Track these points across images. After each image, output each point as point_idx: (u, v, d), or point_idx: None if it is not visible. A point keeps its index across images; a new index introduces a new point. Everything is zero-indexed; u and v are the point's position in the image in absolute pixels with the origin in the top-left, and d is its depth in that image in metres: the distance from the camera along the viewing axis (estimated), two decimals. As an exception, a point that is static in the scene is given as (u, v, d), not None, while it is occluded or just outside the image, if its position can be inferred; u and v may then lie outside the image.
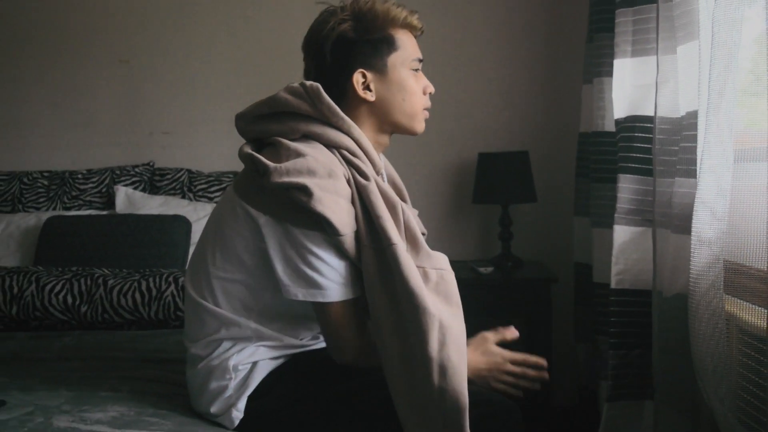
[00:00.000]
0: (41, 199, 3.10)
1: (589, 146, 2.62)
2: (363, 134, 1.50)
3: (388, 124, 1.57)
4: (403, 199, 1.70)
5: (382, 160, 1.65)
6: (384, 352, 1.41)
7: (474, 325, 1.56)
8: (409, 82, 1.55)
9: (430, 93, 1.59)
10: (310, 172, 1.37)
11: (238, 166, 3.13)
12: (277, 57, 3.15)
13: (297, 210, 1.38)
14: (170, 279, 2.41)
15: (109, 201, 3.10)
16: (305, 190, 1.35)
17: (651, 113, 2.11)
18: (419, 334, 1.36)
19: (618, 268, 2.20)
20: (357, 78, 1.52)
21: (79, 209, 3.09)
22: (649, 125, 2.15)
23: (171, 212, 2.93)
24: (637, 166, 2.18)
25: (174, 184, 3.14)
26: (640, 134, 2.17)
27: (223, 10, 3.26)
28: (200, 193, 3.11)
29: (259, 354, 1.53)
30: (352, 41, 1.51)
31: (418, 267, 1.41)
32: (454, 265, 1.50)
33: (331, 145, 1.46)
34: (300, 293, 1.41)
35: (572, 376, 3.03)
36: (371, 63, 1.52)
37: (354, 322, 1.48)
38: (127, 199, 3.04)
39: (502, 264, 3.06)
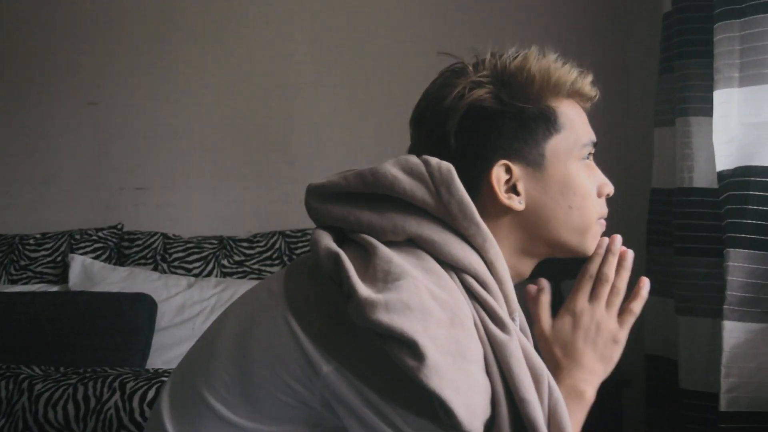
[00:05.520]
0: (-16, 270, 2.72)
1: (668, 207, 2.15)
2: (501, 256, 0.99)
3: (542, 243, 1.05)
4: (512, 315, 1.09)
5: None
6: None
7: None
8: (580, 181, 1.04)
9: (607, 195, 1.07)
10: (424, 313, 0.85)
11: (225, 230, 2.80)
12: (272, 101, 2.97)
13: (394, 375, 0.86)
14: (115, 384, 1.89)
15: (64, 273, 2.69)
16: (414, 349, 0.82)
17: (774, 163, 1.67)
18: None
19: (730, 381, 1.70)
20: (498, 174, 1.00)
21: (27, 282, 2.67)
22: (771, 180, 1.71)
23: (136, 288, 2.51)
24: (754, 237, 1.74)
25: (145, 252, 2.75)
26: (756, 192, 1.75)
27: (206, 46, 2.99)
28: (176, 263, 2.70)
29: None
30: (493, 115, 1.01)
31: None
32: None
33: (450, 264, 0.94)
34: None
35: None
36: (521, 151, 1.02)
37: None
38: (84, 271, 2.62)
39: (552, 355, 2.51)
